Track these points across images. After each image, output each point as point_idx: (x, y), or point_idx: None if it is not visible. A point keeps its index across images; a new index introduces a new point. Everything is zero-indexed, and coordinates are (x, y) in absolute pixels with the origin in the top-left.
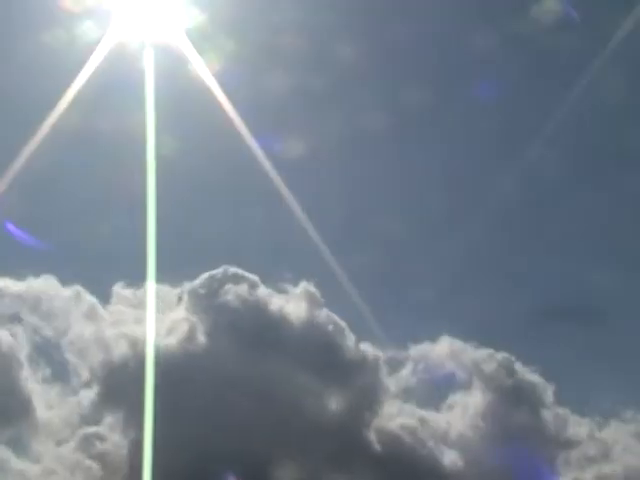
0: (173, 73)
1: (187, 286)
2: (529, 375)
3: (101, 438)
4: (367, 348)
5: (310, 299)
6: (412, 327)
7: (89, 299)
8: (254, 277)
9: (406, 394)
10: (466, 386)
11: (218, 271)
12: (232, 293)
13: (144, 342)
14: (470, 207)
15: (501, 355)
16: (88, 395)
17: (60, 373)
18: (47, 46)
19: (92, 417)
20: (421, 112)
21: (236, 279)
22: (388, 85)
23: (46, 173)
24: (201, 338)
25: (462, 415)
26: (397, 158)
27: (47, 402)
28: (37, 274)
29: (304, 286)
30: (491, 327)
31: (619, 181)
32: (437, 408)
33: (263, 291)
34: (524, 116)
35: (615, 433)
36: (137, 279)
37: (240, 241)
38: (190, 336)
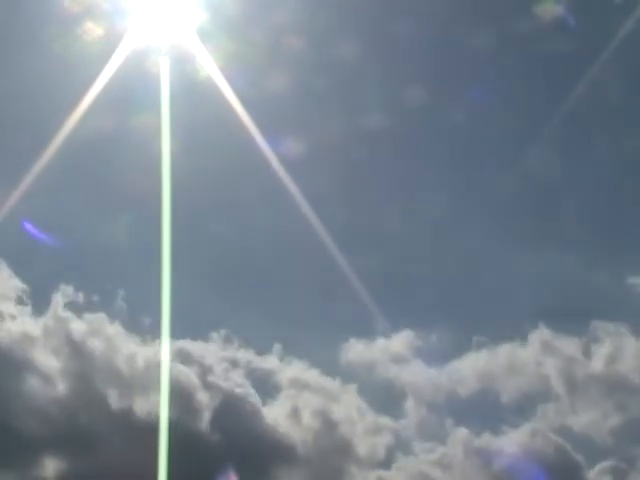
0: (186, 76)
1: None
2: None
3: None
4: None
5: None
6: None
7: None
8: None
9: None
10: None
11: None
12: None
13: None
14: (471, 207)
15: None
16: None
17: None
18: (59, 48)
19: None
20: (430, 111)
21: None
22: (393, 84)
23: (62, 176)
24: None
25: None
26: (399, 158)
27: None
28: None
29: None
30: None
31: (620, 182)
32: None
33: None
34: (525, 116)
35: None
36: None
37: (247, 240)
38: None
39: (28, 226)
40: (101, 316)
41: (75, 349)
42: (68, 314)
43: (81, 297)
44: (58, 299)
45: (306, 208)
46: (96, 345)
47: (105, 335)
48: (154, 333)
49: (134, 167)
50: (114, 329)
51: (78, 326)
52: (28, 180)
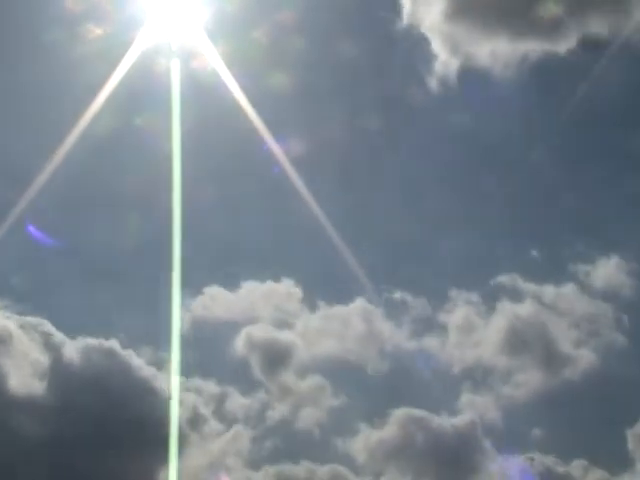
0: (196, 76)
1: None
2: None
3: None
4: None
5: None
6: None
7: None
8: None
9: None
10: None
11: None
12: None
13: None
14: (472, 206)
15: None
16: None
17: None
18: (71, 50)
19: None
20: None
21: None
22: (396, 82)
23: (71, 178)
24: None
25: None
26: (401, 157)
27: None
28: None
29: None
30: None
31: (620, 183)
32: None
33: None
34: (526, 116)
35: None
36: None
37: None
38: None
39: (32, 229)
40: None
41: None
42: None
43: None
44: None
45: (313, 205)
46: None
47: None
48: None
49: (144, 166)
50: None
51: None
52: (38, 181)
